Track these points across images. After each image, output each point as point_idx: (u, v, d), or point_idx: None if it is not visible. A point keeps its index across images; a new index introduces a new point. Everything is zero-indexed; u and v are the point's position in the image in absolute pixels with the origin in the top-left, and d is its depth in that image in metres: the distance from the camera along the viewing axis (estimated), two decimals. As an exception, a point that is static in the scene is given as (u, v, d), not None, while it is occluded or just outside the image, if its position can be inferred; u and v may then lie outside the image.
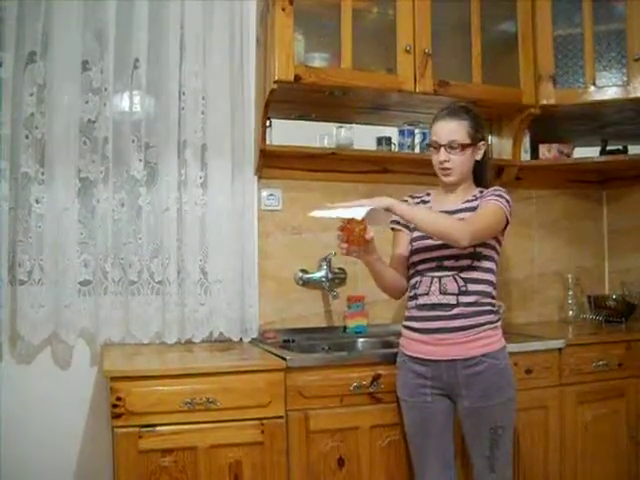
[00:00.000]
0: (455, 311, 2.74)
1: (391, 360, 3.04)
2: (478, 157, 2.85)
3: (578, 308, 4.29)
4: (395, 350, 3.05)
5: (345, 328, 3.78)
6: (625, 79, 3.67)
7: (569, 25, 3.78)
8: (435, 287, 2.79)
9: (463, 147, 2.79)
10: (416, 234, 2.87)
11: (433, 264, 2.81)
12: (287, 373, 2.88)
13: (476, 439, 2.77)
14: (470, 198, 2.85)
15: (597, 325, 4.02)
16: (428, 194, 3.02)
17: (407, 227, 2.96)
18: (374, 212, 2.59)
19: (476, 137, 2.82)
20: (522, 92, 3.70)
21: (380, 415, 3.02)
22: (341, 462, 2.96)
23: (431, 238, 2.76)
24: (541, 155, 4.04)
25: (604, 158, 4.14)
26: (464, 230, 2.62)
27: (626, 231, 4.46)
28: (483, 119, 2.91)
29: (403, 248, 2.98)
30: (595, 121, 4.04)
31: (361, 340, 3.66)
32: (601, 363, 3.43)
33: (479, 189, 2.88)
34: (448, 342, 2.74)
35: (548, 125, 3.93)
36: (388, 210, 2.65)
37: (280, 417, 2.86)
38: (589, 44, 3.69)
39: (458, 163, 2.81)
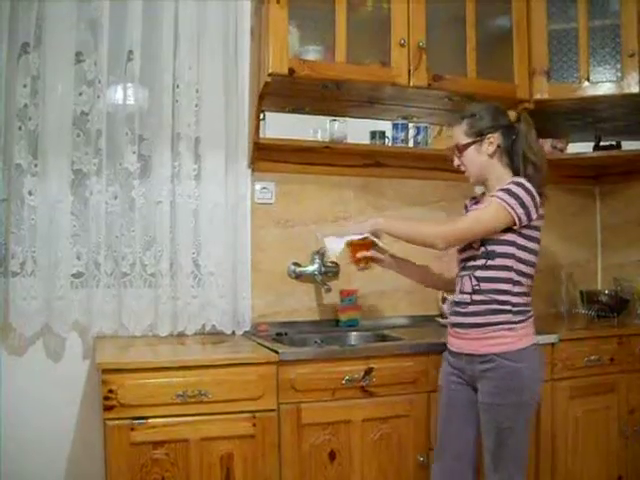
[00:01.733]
0: (469, 309, 2.79)
1: (384, 353, 3.06)
2: (489, 150, 2.82)
3: (571, 303, 4.32)
4: (387, 343, 3.05)
5: (338, 321, 3.79)
6: (619, 75, 3.67)
7: (564, 20, 3.77)
8: (459, 286, 2.87)
9: (460, 149, 2.84)
10: None
11: (461, 265, 2.88)
12: (279, 366, 2.89)
13: (485, 435, 2.77)
14: (493, 194, 2.81)
15: (589, 320, 4.03)
16: (483, 194, 3.01)
17: None
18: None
19: (474, 133, 2.82)
20: (516, 86, 3.70)
21: (372, 408, 3.03)
22: (333, 455, 2.97)
23: None
24: (535, 150, 4.03)
25: (597, 153, 4.15)
26: (437, 235, 2.79)
27: (619, 226, 4.47)
28: (492, 112, 2.86)
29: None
30: (589, 116, 4.04)
31: (354, 333, 3.66)
32: (593, 358, 3.44)
33: (511, 180, 2.78)
34: (466, 337, 2.81)
35: (542, 120, 3.88)
36: (378, 233, 2.92)
37: (272, 410, 2.87)
38: (584, 39, 3.69)
39: (467, 164, 2.86)
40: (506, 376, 2.69)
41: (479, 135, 2.83)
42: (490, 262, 2.74)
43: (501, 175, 2.83)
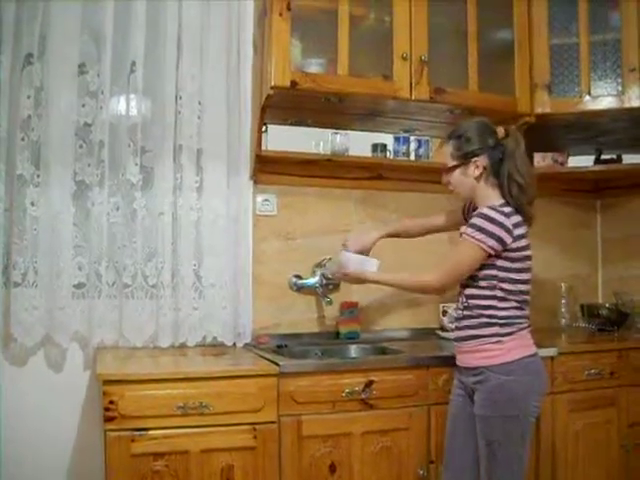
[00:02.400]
0: (463, 323, 2.84)
1: (384, 366, 3.06)
2: (475, 173, 2.81)
3: (571, 316, 4.31)
4: (387, 356, 3.06)
5: (338, 334, 3.79)
6: (620, 89, 3.69)
7: (565, 34, 3.79)
8: (457, 302, 2.93)
9: (446, 171, 2.88)
10: None
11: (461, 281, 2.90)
12: (280, 378, 2.88)
13: (479, 447, 2.77)
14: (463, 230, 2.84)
15: (590, 334, 4.03)
16: None
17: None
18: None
19: (460, 156, 2.83)
20: (517, 100, 3.71)
21: (372, 421, 3.03)
22: (333, 468, 2.96)
23: None
24: (535, 163, 4.04)
25: (598, 167, 4.16)
26: (429, 283, 2.89)
27: (619, 240, 4.48)
28: (479, 133, 2.83)
29: (448, 219, 3.28)
30: (590, 130, 4.05)
31: (354, 346, 3.66)
32: (593, 372, 3.44)
33: (498, 202, 2.78)
34: (460, 350, 2.87)
35: (543, 134, 3.93)
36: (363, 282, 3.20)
37: (272, 422, 2.86)
38: (585, 53, 3.71)
39: (455, 184, 2.89)
40: (494, 389, 2.71)
41: (465, 158, 2.83)
42: (473, 282, 2.78)
43: (487, 195, 2.83)
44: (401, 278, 3.06)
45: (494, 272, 2.73)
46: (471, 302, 2.79)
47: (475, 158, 2.81)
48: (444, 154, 2.90)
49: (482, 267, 2.74)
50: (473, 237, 2.68)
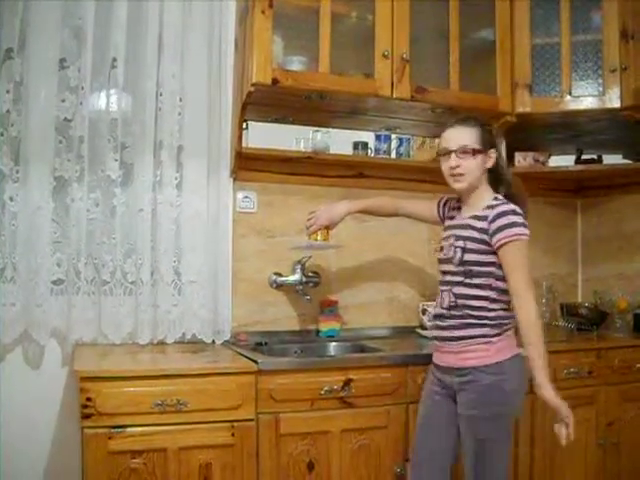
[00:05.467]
0: (447, 323, 2.80)
1: (363, 365, 3.07)
2: (489, 165, 2.83)
3: (550, 315, 4.32)
4: (366, 355, 3.06)
5: (318, 332, 3.79)
6: (601, 89, 3.71)
7: (547, 34, 3.80)
8: (438, 300, 2.88)
9: (474, 152, 2.78)
10: (440, 244, 2.97)
11: (441, 277, 2.90)
12: (258, 376, 2.88)
13: (465, 447, 2.77)
14: (478, 213, 2.78)
15: (569, 333, 4.05)
16: (458, 201, 3.02)
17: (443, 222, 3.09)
18: None
19: (485, 144, 2.81)
20: (499, 99, 3.72)
21: (351, 419, 3.04)
22: (311, 465, 2.97)
23: (442, 251, 2.90)
24: (516, 163, 4.05)
25: (579, 167, 4.19)
26: (535, 310, 2.67)
27: (600, 240, 4.50)
28: (492, 129, 2.91)
29: (421, 209, 3.27)
30: (570, 130, 4.07)
31: (333, 344, 3.67)
32: (572, 370, 3.47)
33: (493, 197, 2.81)
34: (444, 350, 2.83)
35: (524, 133, 3.95)
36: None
37: (251, 420, 2.86)
38: (566, 54, 3.73)
39: (470, 169, 2.79)
40: (485, 389, 2.69)
41: (489, 147, 2.83)
42: (468, 280, 2.75)
43: (483, 192, 2.84)
44: (537, 337, 2.65)
45: (492, 269, 2.73)
46: (460, 302, 2.76)
47: (492, 150, 2.84)
48: (462, 137, 2.79)
49: (481, 264, 2.73)
50: (519, 235, 2.68)
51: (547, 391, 2.61)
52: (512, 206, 2.73)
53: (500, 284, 2.73)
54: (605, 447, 3.55)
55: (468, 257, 2.74)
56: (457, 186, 2.84)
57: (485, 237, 2.71)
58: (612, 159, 4.20)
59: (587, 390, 3.53)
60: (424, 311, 3.88)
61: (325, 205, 3.39)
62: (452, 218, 2.99)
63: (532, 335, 2.64)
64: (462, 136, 2.80)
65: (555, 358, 3.40)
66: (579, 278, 4.65)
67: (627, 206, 4.32)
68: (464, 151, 2.77)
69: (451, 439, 2.83)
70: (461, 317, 2.76)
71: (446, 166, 2.84)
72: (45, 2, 3.23)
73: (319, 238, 3.33)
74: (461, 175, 2.80)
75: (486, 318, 2.73)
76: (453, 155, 2.79)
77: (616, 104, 3.67)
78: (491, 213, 2.72)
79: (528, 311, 2.64)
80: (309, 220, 3.34)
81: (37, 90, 3.23)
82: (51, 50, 3.25)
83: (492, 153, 2.84)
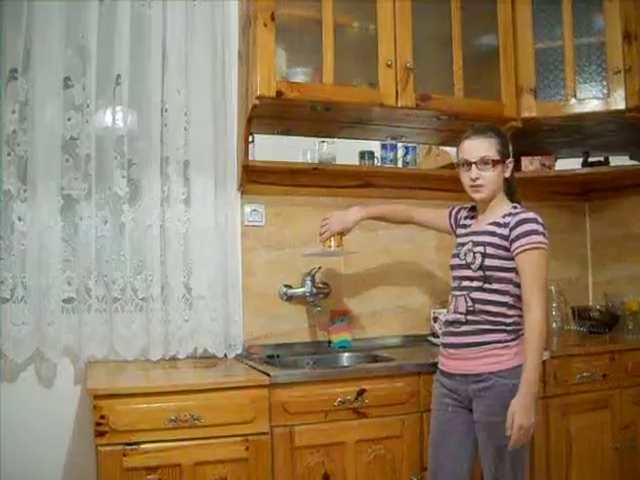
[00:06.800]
0: (463, 328, 2.80)
1: (376, 375, 3.06)
2: (507, 174, 2.86)
3: (562, 319, 4.32)
4: (378, 364, 3.06)
5: (330, 343, 3.78)
6: (605, 92, 3.70)
7: (550, 38, 3.80)
8: (453, 305, 2.87)
9: (494, 163, 2.80)
10: (454, 251, 2.96)
11: (456, 283, 2.89)
12: (271, 389, 2.88)
13: (484, 454, 2.76)
14: (499, 220, 2.79)
15: (581, 336, 4.03)
16: (471, 210, 3.06)
17: (454, 232, 3.11)
18: None
19: (504, 154, 2.84)
20: (503, 105, 3.71)
21: (365, 430, 3.03)
22: (327, 477, 2.96)
23: (458, 257, 2.89)
24: (523, 167, 4.05)
25: (586, 170, 4.17)
26: (543, 320, 2.64)
27: (609, 242, 4.49)
28: (507, 138, 2.93)
29: (433, 217, 3.31)
30: (576, 133, 4.06)
31: (345, 355, 3.66)
32: (585, 374, 3.45)
33: (512, 205, 2.84)
34: (459, 357, 2.81)
35: (530, 137, 3.94)
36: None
37: (265, 433, 2.85)
38: (570, 57, 3.72)
39: (489, 180, 2.81)
40: (505, 393, 2.67)
41: (507, 157, 2.86)
42: (487, 285, 2.75)
43: (500, 200, 2.88)
44: (537, 343, 2.65)
45: (511, 275, 2.73)
46: (478, 307, 2.76)
47: (509, 160, 2.87)
48: (481, 147, 2.81)
49: (500, 269, 2.73)
50: (539, 243, 2.68)
51: (525, 399, 2.60)
52: (534, 214, 2.75)
53: (518, 291, 2.73)
54: (622, 451, 3.52)
55: (488, 262, 2.74)
56: (477, 196, 2.87)
57: (505, 243, 2.72)
58: (619, 161, 4.20)
59: (602, 394, 3.51)
60: (435, 319, 3.87)
61: (338, 211, 3.39)
62: (465, 227, 3.00)
63: (530, 347, 2.64)
64: (482, 147, 2.82)
65: (568, 362, 3.42)
66: (589, 281, 4.63)
67: (635, 207, 4.32)
68: (484, 162, 2.80)
69: (467, 452, 2.83)
70: (478, 322, 2.76)
71: (466, 177, 2.86)
72: (48, 22, 3.24)
73: (333, 244, 3.34)
74: (481, 186, 2.83)
75: (503, 324, 2.73)
76: (473, 167, 2.81)
77: (621, 105, 3.66)
78: (512, 220, 2.74)
79: (533, 324, 2.64)
80: (322, 227, 3.35)
81: (42, 109, 3.24)
82: (55, 69, 3.26)
83: (509, 163, 2.87)
